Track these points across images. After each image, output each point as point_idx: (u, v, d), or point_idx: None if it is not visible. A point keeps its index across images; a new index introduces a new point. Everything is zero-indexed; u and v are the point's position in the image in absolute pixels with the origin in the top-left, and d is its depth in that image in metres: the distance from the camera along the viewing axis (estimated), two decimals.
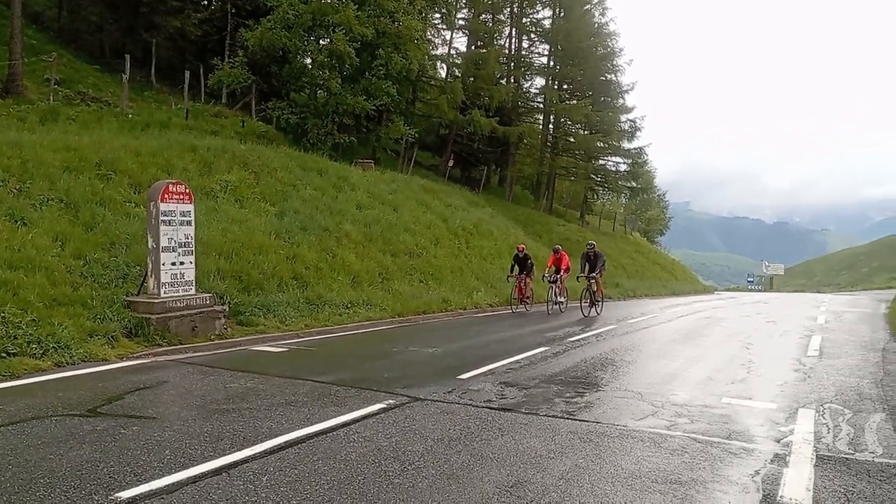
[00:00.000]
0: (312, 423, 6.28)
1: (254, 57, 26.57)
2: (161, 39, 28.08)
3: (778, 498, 4.79)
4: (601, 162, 49.94)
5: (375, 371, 9.28)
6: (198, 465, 5.04)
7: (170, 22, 27.54)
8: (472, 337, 13.47)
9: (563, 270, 19.52)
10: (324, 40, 26.74)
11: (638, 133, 47.56)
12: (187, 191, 11.45)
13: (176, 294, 11.00)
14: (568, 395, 8.07)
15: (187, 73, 24.82)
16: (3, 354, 8.21)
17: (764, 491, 4.93)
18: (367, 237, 19.03)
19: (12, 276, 9.72)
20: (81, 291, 10.36)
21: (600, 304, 19.50)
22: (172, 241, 11.04)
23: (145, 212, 11.42)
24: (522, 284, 19.47)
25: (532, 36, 46.23)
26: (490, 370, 9.51)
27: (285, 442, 5.69)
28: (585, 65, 44.85)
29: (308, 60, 27.25)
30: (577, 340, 13.27)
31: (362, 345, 12.12)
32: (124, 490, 4.50)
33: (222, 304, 11.96)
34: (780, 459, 5.71)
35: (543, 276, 19.87)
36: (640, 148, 48.61)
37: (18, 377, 7.85)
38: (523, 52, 46.03)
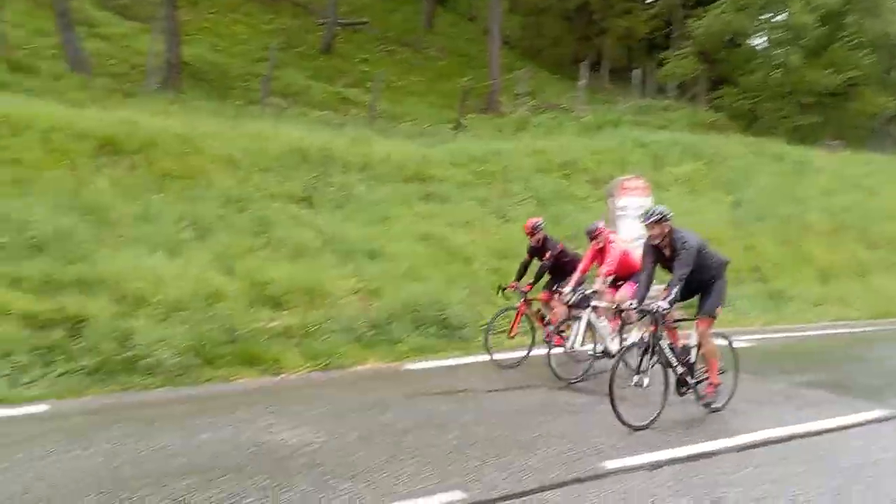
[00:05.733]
0: (786, 424, 5.88)
1: (701, 46, 26.00)
2: (610, 42, 29.60)
3: None
4: None
5: (854, 376, 8.23)
6: (663, 449, 5.21)
7: (619, 24, 28.92)
8: None
9: (604, 274, 7.70)
10: (779, 16, 24.68)
11: None
12: (645, 185, 11.81)
13: None
14: None
15: (636, 72, 25.59)
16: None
17: None
18: (835, 227, 16.92)
19: (499, 263, 11.39)
20: None
21: (722, 396, 6.27)
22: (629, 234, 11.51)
23: (606, 206, 12.17)
24: (530, 306, 8.67)
25: None
26: None
27: (761, 440, 5.47)
28: None
29: (758, 41, 25.52)
30: None
31: (832, 346, 10.85)
32: (609, 460, 4.92)
33: None
34: None
35: (565, 292, 7.84)
36: None
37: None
38: None
